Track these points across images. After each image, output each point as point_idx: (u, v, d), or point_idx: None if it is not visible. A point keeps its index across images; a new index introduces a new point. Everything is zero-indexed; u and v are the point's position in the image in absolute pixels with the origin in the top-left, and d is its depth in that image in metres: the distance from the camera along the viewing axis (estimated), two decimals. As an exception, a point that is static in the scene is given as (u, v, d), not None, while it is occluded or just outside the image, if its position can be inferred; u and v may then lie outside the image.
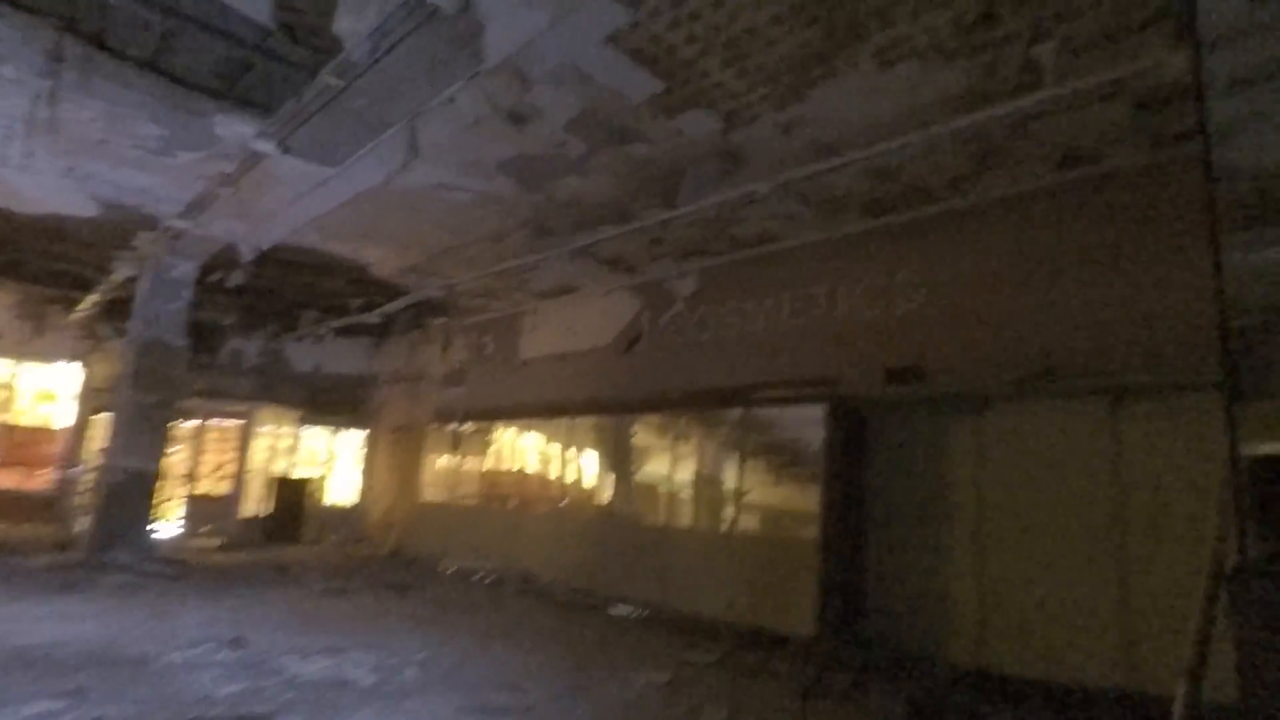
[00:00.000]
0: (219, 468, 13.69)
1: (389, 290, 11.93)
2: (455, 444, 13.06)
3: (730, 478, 13.11)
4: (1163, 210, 5.95)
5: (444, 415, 13.32)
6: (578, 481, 13.31)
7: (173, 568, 9.24)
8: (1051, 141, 6.03)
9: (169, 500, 13.40)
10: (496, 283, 10.97)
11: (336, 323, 13.36)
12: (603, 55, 5.24)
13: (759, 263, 8.85)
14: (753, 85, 5.54)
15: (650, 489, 13.68)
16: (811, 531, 7.58)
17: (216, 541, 12.59)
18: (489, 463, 14.08)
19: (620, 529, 10.17)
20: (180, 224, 8.50)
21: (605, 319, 10.76)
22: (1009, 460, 6.43)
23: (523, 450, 14.96)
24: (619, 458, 12.82)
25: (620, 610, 8.80)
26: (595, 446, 13.71)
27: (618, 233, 7.91)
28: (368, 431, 15.12)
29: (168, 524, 13.02)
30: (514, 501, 13.43)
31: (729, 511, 9.03)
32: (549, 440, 14.12)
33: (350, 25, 4.97)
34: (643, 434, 12.46)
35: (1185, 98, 5.27)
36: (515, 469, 14.68)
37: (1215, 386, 5.44)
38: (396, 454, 14.39)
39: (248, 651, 5.72)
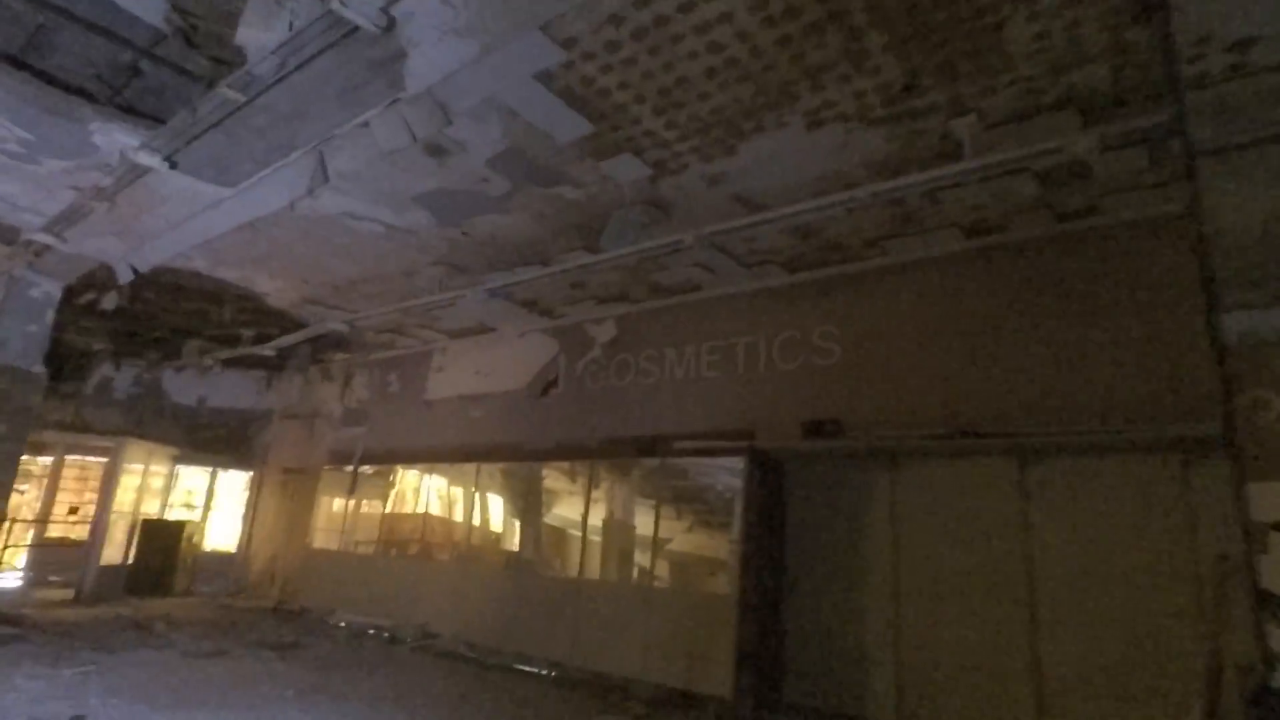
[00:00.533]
0: (75, 510, 12.22)
1: (286, 322, 11.14)
2: (352, 487, 12.21)
3: (646, 529, 12.87)
4: (1064, 279, 6.26)
5: (341, 456, 12.47)
6: (485, 529, 12.71)
7: (7, 626, 8.05)
8: (962, 210, 6.27)
9: (11, 547, 11.85)
10: (405, 319, 10.44)
11: (225, 354, 12.36)
12: (532, 92, 5.06)
13: (679, 311, 8.79)
14: (683, 135, 5.49)
15: (562, 538, 13.24)
16: (729, 586, 7.42)
17: (68, 593, 11.16)
18: (389, 508, 13.27)
19: (528, 580, 9.69)
20: (44, 238, 7.61)
21: (520, 361, 10.41)
22: (923, 516, 6.51)
23: (426, 495, 14.22)
24: (529, 505, 12.36)
25: (528, 668, 8.30)
26: (505, 493, 13.19)
27: (537, 275, 7.65)
28: (254, 472, 13.96)
29: (7, 573, 11.48)
30: (415, 549, 12.64)
31: (644, 564, 8.76)
32: (455, 485, 13.49)
33: (256, 36, 4.57)
34: (555, 481, 12.10)
35: (1085, 176, 5.60)
36: (417, 515, 13.89)
37: (1114, 449, 5.70)
38: (286, 497, 13.32)
39: (89, 735, 4.94)
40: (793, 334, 7.79)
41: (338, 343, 12.12)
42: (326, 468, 12.64)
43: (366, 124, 5.38)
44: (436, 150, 5.88)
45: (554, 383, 9.87)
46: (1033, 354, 6.27)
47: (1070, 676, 5.49)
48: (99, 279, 9.12)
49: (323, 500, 12.63)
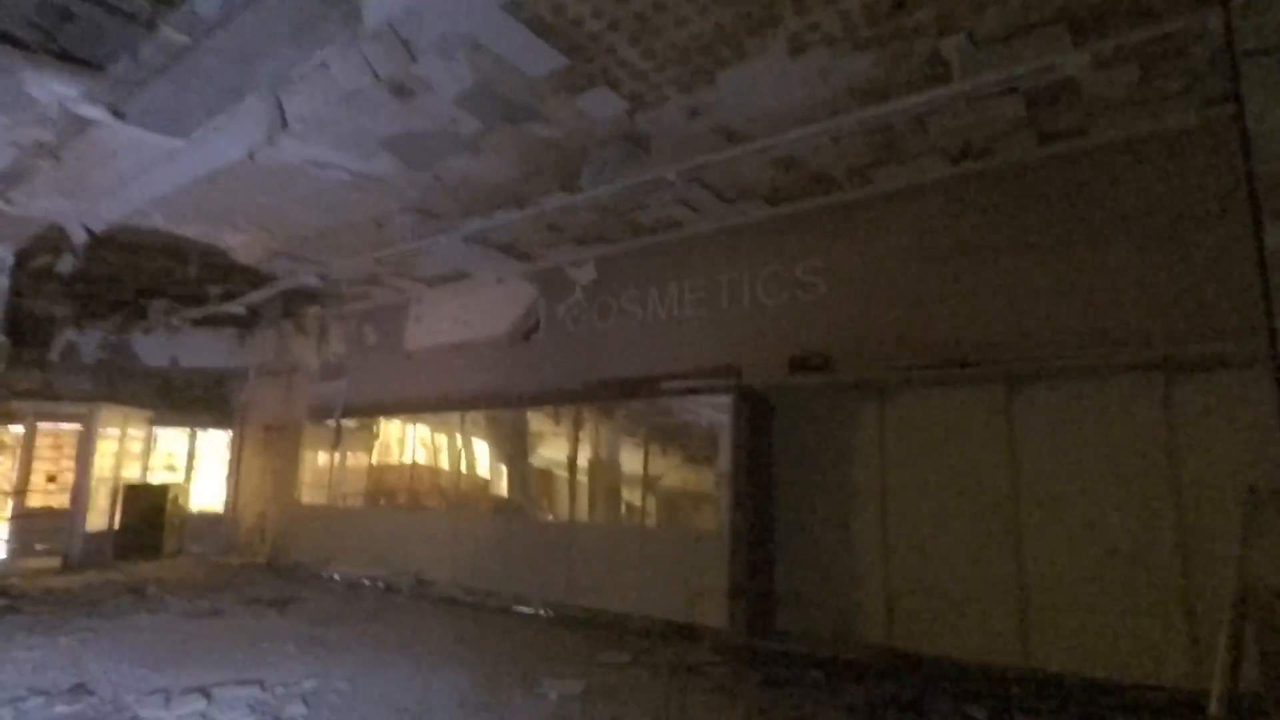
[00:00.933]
0: (54, 478, 12.02)
1: (254, 277, 10.80)
2: (336, 441, 12.11)
3: (635, 469, 12.99)
4: (1051, 203, 6.19)
5: (322, 411, 12.32)
6: (474, 476, 12.75)
7: (-4, 599, 8.00)
8: (949, 135, 6.12)
9: (-9, 518, 11.68)
10: (379, 269, 10.16)
11: (193, 313, 12.01)
12: (499, 23, 4.76)
13: (660, 250, 8.63)
14: (661, 65, 5.24)
15: (549, 479, 13.32)
16: (721, 522, 7.53)
17: (55, 562, 11.08)
18: (375, 460, 13.23)
19: (520, 524, 9.78)
20: (-11, 200, 7.22)
21: (499, 307, 10.23)
22: (911, 445, 6.58)
23: (412, 445, 14.18)
24: (517, 451, 12.37)
25: (525, 609, 8.45)
26: (491, 440, 13.18)
27: (513, 218, 7.42)
28: (234, 431, 13.79)
29: (-10, 545, 11.34)
30: (404, 500, 12.68)
31: (635, 504, 8.85)
32: (439, 433, 13.44)
33: (197, -28, 4.23)
34: (540, 424, 12.08)
35: (1073, 95, 5.46)
36: (404, 465, 13.88)
37: (1099, 372, 5.75)
38: (269, 454, 13.21)
39: (92, 701, 4.94)
40: (776, 269, 7.69)
41: (311, 296, 11.81)
42: (309, 423, 12.51)
43: (325, 64, 5.07)
44: (401, 90, 5.56)
45: (535, 327, 9.73)
46: (1020, 280, 6.25)
47: (1054, 594, 5.68)
48: (52, 241, 8.71)
49: (307, 455, 12.54)
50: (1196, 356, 5.30)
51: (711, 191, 7.30)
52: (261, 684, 5.39)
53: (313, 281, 9.91)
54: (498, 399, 10.01)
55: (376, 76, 5.01)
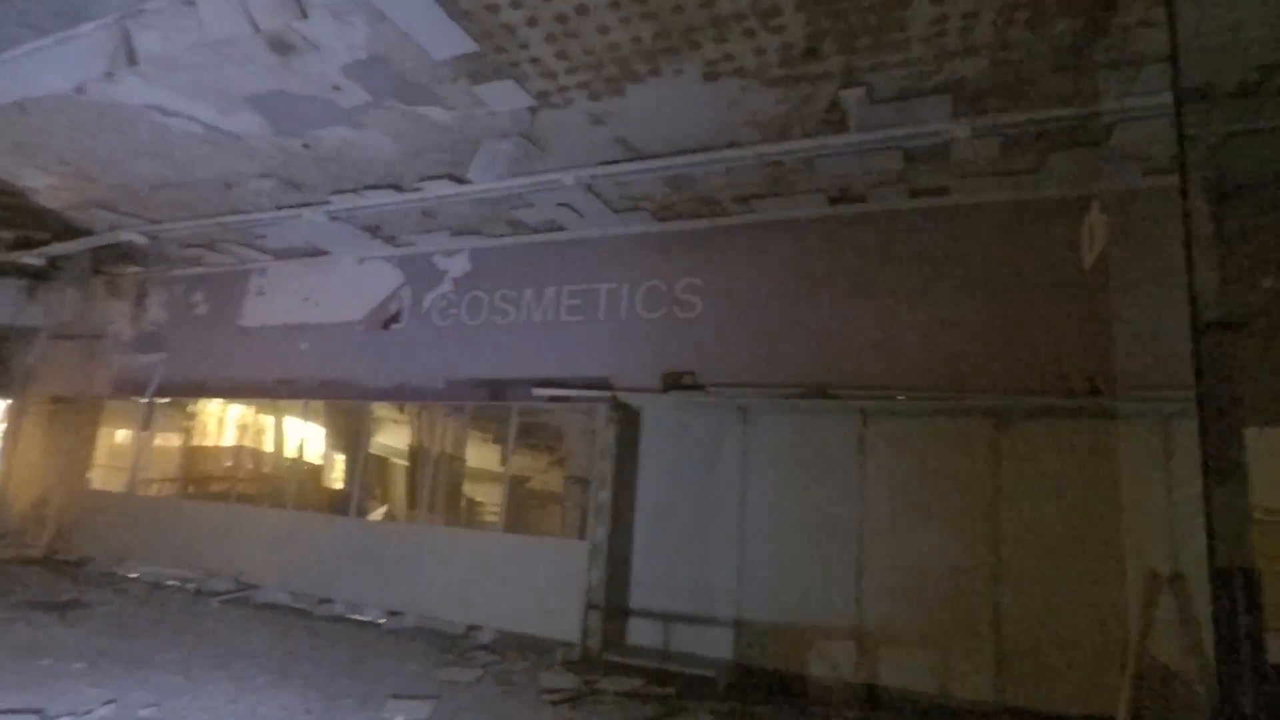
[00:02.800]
0: None
1: (57, 224, 9.28)
2: (147, 420, 10.70)
3: (482, 465, 12.59)
4: (914, 253, 6.73)
5: (132, 386, 10.85)
6: (311, 468, 11.78)
7: None
8: (832, 179, 6.47)
9: None
10: (221, 235, 9.10)
11: (-29, 256, 10.12)
12: (407, -4, 4.41)
13: (541, 251, 8.43)
14: (574, 69, 5.10)
15: (384, 468, 12.58)
16: (581, 531, 7.46)
17: None
18: (189, 442, 11.85)
19: (358, 523, 9.12)
20: None
21: (357, 291, 9.52)
22: (772, 466, 6.87)
23: (240, 431, 12.88)
24: (356, 439, 11.58)
25: (362, 617, 7.89)
26: (327, 424, 12.26)
27: (388, 202, 6.92)
28: (12, 400, 11.78)
29: None
30: (222, 487, 11.44)
31: (490, 508, 8.56)
32: (267, 415, 12.29)
33: None
34: (381, 409, 11.38)
35: (943, 157, 5.97)
36: (224, 448, 12.54)
37: (938, 413, 6.32)
38: (56, 429, 11.41)
39: None
40: (656, 284, 7.76)
41: (127, 253, 10.35)
42: (111, 398, 10.95)
43: (191, 2, 4.45)
44: (282, 46, 4.99)
45: (396, 317, 9.15)
46: (883, 319, 6.73)
47: (888, 618, 6.17)
48: None
49: (106, 434, 10.97)
50: (1012, 406, 5.98)
51: (602, 200, 7.23)
52: (41, 713, 4.59)
53: (138, 239, 8.68)
54: (347, 389, 9.30)
55: (256, 28, 4.46)
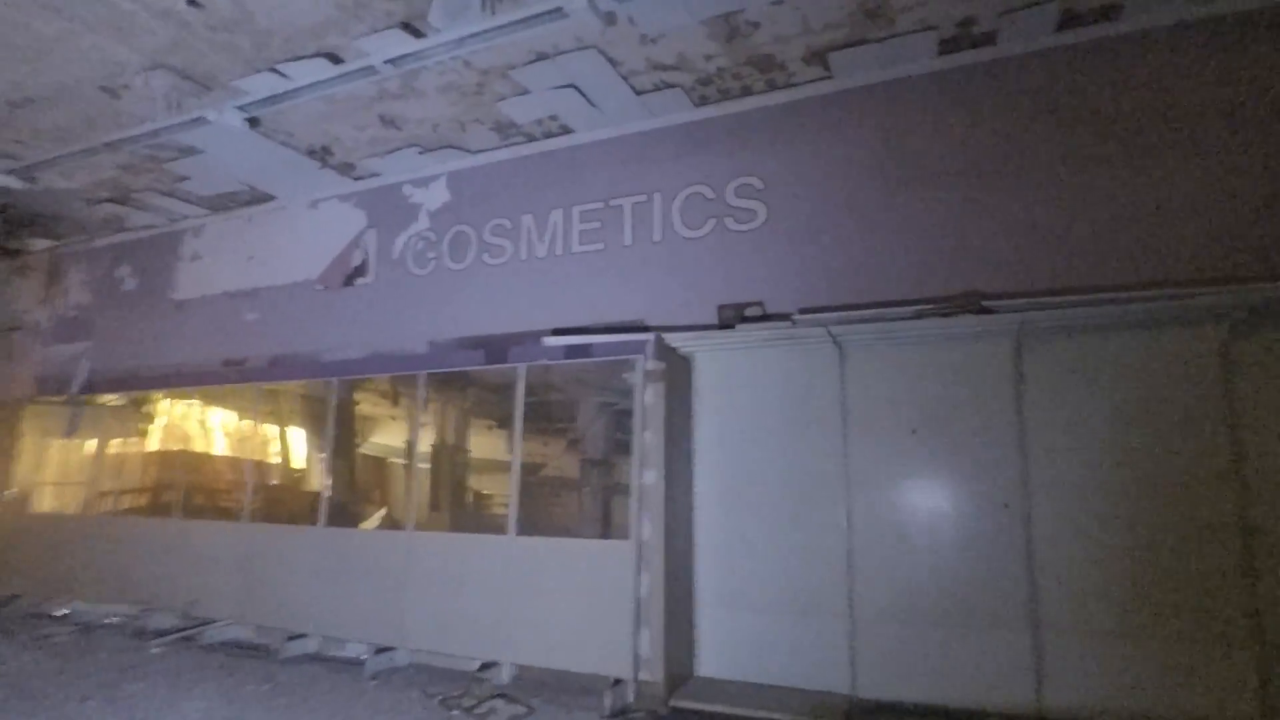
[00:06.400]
0: None
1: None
2: (71, 425, 8.77)
3: (496, 461, 10.64)
4: (1069, 106, 4.71)
5: (56, 383, 8.91)
6: (286, 469, 9.90)
7: None
8: (944, 4, 4.46)
9: None
10: (124, 175, 7.09)
11: None
12: None
13: (541, 164, 6.43)
14: None
15: (381, 469, 10.75)
16: (604, 525, 5.56)
17: None
18: (132, 450, 9.92)
19: (344, 535, 7.21)
20: None
21: (312, 242, 7.54)
22: (883, 416, 4.90)
23: (189, 430, 10.93)
24: (341, 435, 9.70)
25: (346, 655, 6.00)
26: (307, 421, 10.33)
27: (323, 80, 4.91)
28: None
29: None
30: (182, 502, 9.52)
31: (499, 500, 6.69)
32: (230, 415, 10.35)
33: None
34: (372, 405, 9.53)
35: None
36: (176, 457, 10.60)
37: (1139, 322, 4.33)
38: (-28, 442, 9.49)
39: None
40: (700, 189, 5.76)
41: (28, 221, 8.36)
42: (31, 399, 9.02)
43: None
44: None
45: (361, 269, 7.17)
46: (1026, 204, 4.74)
47: (1070, 597, 4.22)
48: None
49: (25, 444, 9.06)
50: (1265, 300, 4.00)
51: (618, 70, 5.21)
52: None
53: (12, 184, 6.68)
54: (308, 366, 7.33)
55: None
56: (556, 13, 4.01)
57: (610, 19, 4.22)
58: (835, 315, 4.83)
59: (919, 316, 4.56)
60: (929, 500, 4.69)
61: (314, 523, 6.94)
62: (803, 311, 4.99)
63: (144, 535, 7.93)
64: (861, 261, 5.10)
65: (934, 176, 5.01)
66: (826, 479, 4.95)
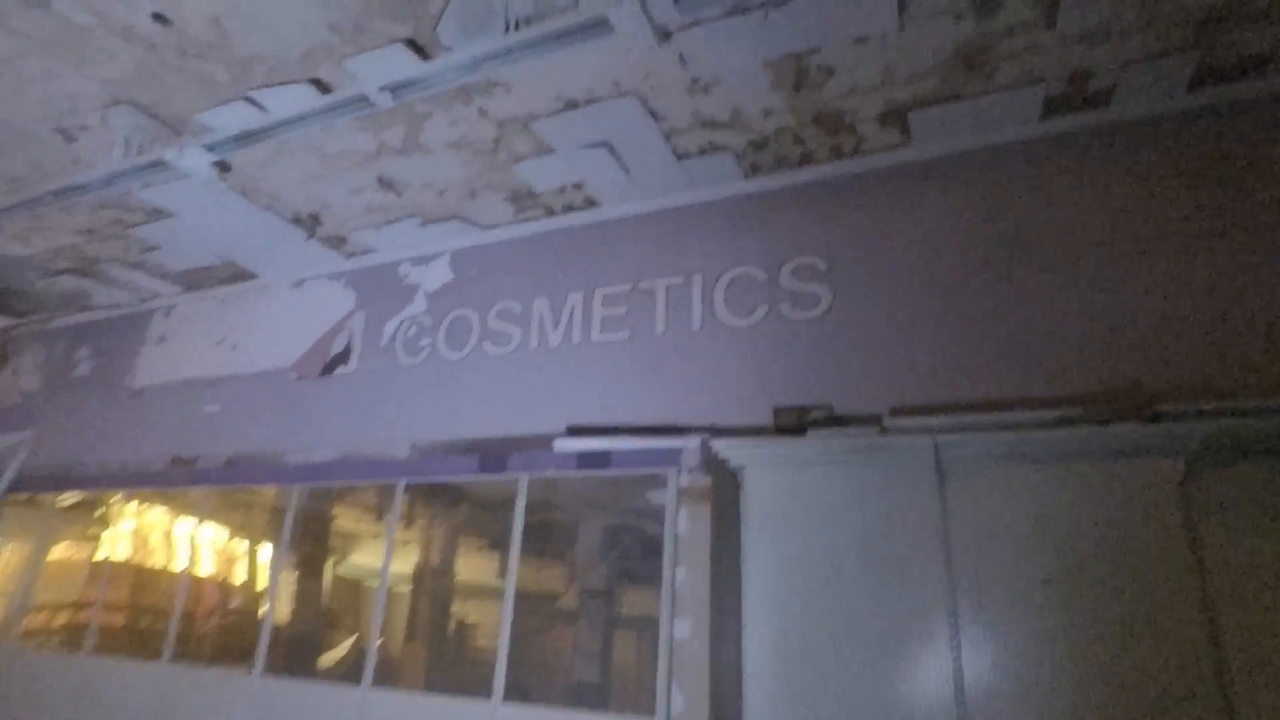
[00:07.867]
0: None
1: None
2: (-10, 530, 7.49)
3: (485, 586, 9.20)
4: (1207, 174, 3.84)
5: (-21, 479, 7.70)
6: (250, 590, 8.50)
7: None
8: (1061, 54, 3.69)
9: None
10: (93, 246, 6.25)
11: None
12: None
13: (560, 240, 5.56)
14: None
15: (357, 593, 9.38)
16: (601, 673, 4.19)
17: None
18: (79, 559, 8.53)
19: (300, 682, 5.73)
20: None
21: (293, 324, 6.58)
22: (1007, 557, 3.67)
23: (151, 541, 9.56)
24: (313, 552, 8.32)
25: None
26: (274, 537, 8.98)
27: (307, 110, 4.09)
28: None
29: None
30: (92, 626, 8.03)
31: (483, 631, 5.38)
32: (187, 524, 9.03)
33: None
34: (353, 520, 8.32)
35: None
36: (123, 572, 9.18)
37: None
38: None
39: None
40: (749, 271, 4.82)
41: (-17, 294, 7.49)
42: (-48, 499, 7.76)
43: None
44: None
45: (344, 356, 6.16)
46: (1164, 289, 3.76)
47: None
48: None
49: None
50: None
51: (661, 128, 4.41)
52: None
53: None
54: (270, 468, 6.14)
55: None
56: (601, 26, 3.19)
57: (664, 35, 3.41)
58: (943, 420, 3.70)
59: (1063, 423, 3.43)
60: (1073, 681, 3.37)
61: (250, 667, 5.50)
62: (893, 413, 3.88)
63: (41, 674, 6.43)
64: (957, 357, 4.06)
65: (1046, 254, 4.07)
66: (924, 640, 3.64)
